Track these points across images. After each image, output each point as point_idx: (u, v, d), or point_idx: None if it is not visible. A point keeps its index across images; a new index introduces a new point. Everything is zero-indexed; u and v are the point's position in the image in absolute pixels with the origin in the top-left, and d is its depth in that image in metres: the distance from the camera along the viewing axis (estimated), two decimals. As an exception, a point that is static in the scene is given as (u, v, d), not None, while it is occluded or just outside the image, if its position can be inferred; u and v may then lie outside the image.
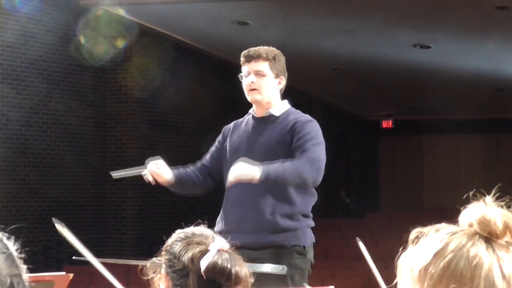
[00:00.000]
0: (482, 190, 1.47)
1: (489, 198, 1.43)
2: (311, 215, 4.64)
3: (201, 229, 2.47)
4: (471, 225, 1.41)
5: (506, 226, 1.39)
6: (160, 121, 13.68)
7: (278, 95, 4.69)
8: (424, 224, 1.50)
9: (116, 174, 4.82)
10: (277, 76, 4.65)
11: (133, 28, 12.74)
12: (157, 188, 15.09)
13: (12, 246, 1.49)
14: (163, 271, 2.42)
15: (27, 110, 11.93)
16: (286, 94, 4.80)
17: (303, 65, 13.59)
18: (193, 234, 2.43)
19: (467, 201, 1.44)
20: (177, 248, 2.39)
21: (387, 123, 19.57)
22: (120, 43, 12.77)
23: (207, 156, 4.85)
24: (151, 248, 12.27)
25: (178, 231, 2.47)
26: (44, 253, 12.18)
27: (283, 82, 4.69)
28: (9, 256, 1.47)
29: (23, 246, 1.54)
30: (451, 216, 1.56)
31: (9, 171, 11.76)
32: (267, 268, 4.23)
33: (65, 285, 3.48)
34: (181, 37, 13.61)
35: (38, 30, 11.98)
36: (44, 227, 12.11)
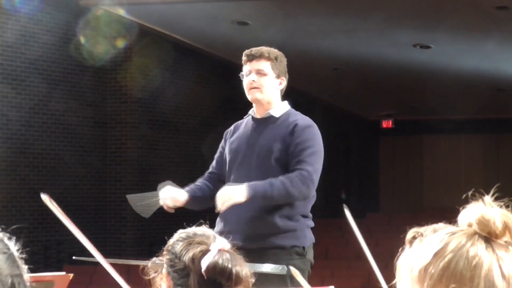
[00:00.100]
0: (481, 190, 1.48)
1: (488, 198, 1.43)
2: (310, 215, 4.64)
3: (202, 229, 2.47)
4: (470, 225, 1.41)
5: (505, 226, 1.39)
6: (160, 121, 13.68)
7: (278, 96, 4.69)
8: (424, 224, 1.51)
9: (131, 198, 4.81)
10: (278, 76, 4.65)
11: (133, 28, 12.74)
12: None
13: (13, 246, 1.49)
14: (164, 271, 2.43)
15: (27, 110, 11.93)
16: (286, 94, 4.80)
17: (303, 65, 13.59)
18: (195, 234, 2.43)
19: (467, 201, 1.44)
20: (178, 248, 2.40)
21: (387, 123, 19.56)
22: (120, 43, 12.78)
23: (213, 163, 4.85)
24: (151, 248, 12.28)
25: (180, 231, 2.47)
26: (44, 253, 12.18)
27: (284, 83, 4.69)
28: (10, 256, 1.47)
29: (23, 246, 1.54)
30: (451, 216, 1.56)
31: (9, 171, 11.76)
32: (267, 268, 4.24)
33: (65, 285, 3.48)
34: (181, 37, 13.61)
35: (38, 30, 11.99)
36: (44, 227, 12.11)
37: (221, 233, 4.39)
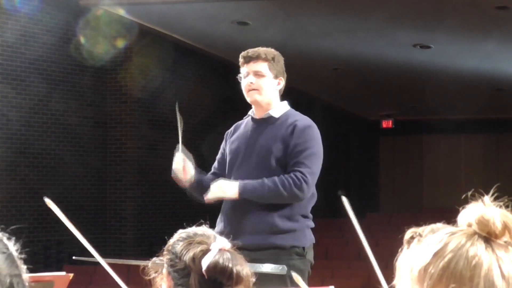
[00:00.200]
0: (481, 190, 1.48)
1: (487, 198, 1.43)
2: (310, 215, 4.64)
3: (202, 229, 2.48)
4: (470, 225, 1.41)
5: (505, 226, 1.40)
6: (160, 121, 13.68)
7: (277, 96, 4.69)
8: (424, 224, 1.51)
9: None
10: (276, 76, 4.65)
11: (133, 28, 12.74)
12: (157, 188, 15.10)
13: (12, 246, 1.49)
14: (164, 270, 2.43)
15: (27, 110, 11.93)
16: (286, 94, 4.80)
17: (303, 65, 13.59)
18: (195, 234, 2.43)
19: (466, 201, 1.44)
20: (178, 247, 2.40)
21: (387, 123, 19.56)
22: (120, 43, 12.77)
23: (215, 164, 4.86)
24: (151, 248, 12.28)
25: (180, 231, 2.47)
26: (44, 253, 12.18)
27: (282, 83, 4.69)
28: (9, 256, 1.47)
29: (23, 246, 1.54)
30: (451, 216, 1.56)
31: (9, 171, 11.76)
32: (267, 268, 4.23)
33: (65, 285, 3.48)
34: (181, 37, 13.61)
35: (38, 30, 11.99)
36: (44, 227, 12.11)
37: (221, 233, 4.40)
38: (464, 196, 1.49)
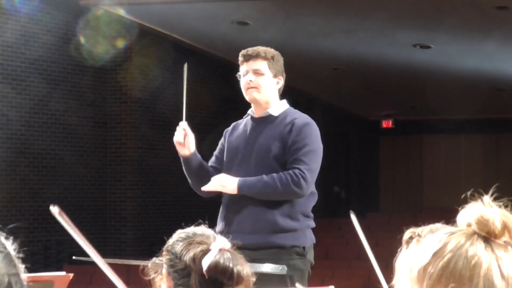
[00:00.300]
0: (480, 190, 1.48)
1: (487, 198, 1.43)
2: (311, 215, 4.63)
3: (202, 229, 2.47)
4: (469, 225, 1.41)
5: (504, 226, 1.39)
6: (160, 121, 13.67)
7: (276, 95, 4.69)
8: (424, 224, 1.51)
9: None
10: (275, 75, 4.65)
11: (133, 28, 12.74)
12: (157, 188, 15.09)
13: (10, 245, 1.49)
14: (164, 271, 2.42)
15: (27, 110, 11.93)
16: (285, 94, 4.80)
17: (303, 65, 13.59)
18: (194, 234, 2.43)
19: (466, 201, 1.44)
20: (178, 248, 2.39)
21: (387, 123, 19.56)
22: (120, 43, 12.77)
23: (212, 158, 4.87)
24: (151, 248, 12.28)
25: (179, 231, 2.47)
26: (44, 253, 12.18)
27: (281, 82, 4.69)
28: (7, 255, 1.47)
29: (23, 246, 1.54)
30: (451, 216, 1.56)
31: (9, 171, 11.76)
32: (267, 268, 4.23)
33: (65, 285, 3.48)
34: (181, 37, 13.61)
35: (38, 30, 11.98)
36: (44, 227, 12.11)
37: (222, 232, 4.41)
38: (463, 196, 1.49)
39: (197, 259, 2.34)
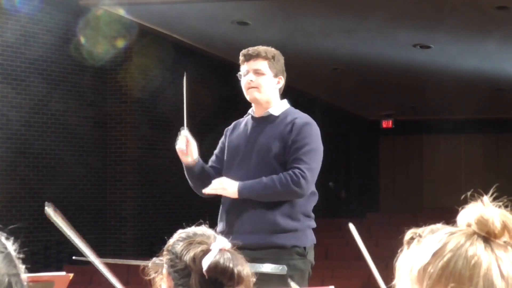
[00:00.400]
0: (480, 190, 1.48)
1: (487, 198, 1.43)
2: (312, 215, 4.63)
3: (202, 229, 2.47)
4: (469, 225, 1.41)
5: (504, 226, 1.40)
6: (160, 121, 13.68)
7: (277, 95, 4.70)
8: (423, 224, 1.51)
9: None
10: (276, 75, 4.66)
11: (133, 28, 12.74)
12: (157, 188, 15.08)
13: (11, 245, 1.49)
14: (164, 271, 2.42)
15: (27, 110, 11.93)
16: (285, 94, 4.80)
17: (303, 65, 13.59)
18: (195, 234, 2.43)
19: (466, 202, 1.44)
20: (178, 247, 2.39)
21: (387, 123, 19.56)
22: (120, 43, 12.77)
23: (213, 158, 4.87)
24: (151, 248, 12.27)
25: (180, 231, 2.47)
26: (44, 253, 12.18)
27: (281, 81, 4.69)
28: (7, 255, 1.47)
29: (23, 246, 1.54)
30: (451, 216, 1.56)
31: (9, 171, 11.76)
32: (267, 268, 4.23)
33: (65, 285, 3.48)
34: (181, 37, 13.61)
35: (38, 30, 11.99)
36: (44, 227, 12.10)
37: (222, 232, 4.41)
38: (463, 196, 1.49)
39: (197, 259, 2.34)
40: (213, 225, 2.59)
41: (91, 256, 2.85)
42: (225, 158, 4.73)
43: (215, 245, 2.36)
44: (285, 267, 4.26)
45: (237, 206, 4.56)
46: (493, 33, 12.30)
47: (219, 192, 4.57)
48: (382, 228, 14.26)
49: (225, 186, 4.55)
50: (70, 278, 3.50)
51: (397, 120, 19.44)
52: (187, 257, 2.36)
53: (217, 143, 4.94)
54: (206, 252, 2.35)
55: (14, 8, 11.52)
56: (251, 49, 4.68)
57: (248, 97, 4.67)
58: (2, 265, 1.45)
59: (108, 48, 12.56)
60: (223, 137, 4.86)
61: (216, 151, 4.88)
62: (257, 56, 4.63)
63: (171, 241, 2.45)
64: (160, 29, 13.21)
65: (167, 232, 2.68)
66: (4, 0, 11.45)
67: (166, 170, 13.32)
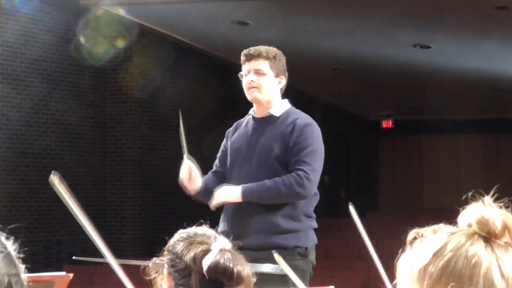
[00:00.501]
0: (481, 191, 1.48)
1: (488, 198, 1.43)
2: (314, 215, 4.63)
3: (203, 229, 2.47)
4: (470, 225, 1.41)
5: (505, 226, 1.40)
6: (160, 121, 13.68)
7: (278, 95, 4.69)
8: (424, 224, 1.51)
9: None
10: (277, 75, 4.64)
11: (133, 28, 12.74)
12: (157, 188, 15.09)
13: (11, 245, 1.49)
14: (165, 271, 2.43)
15: (27, 110, 11.93)
16: (286, 94, 4.80)
17: (303, 65, 13.59)
18: (195, 234, 2.43)
19: (466, 202, 1.44)
20: (179, 247, 2.40)
21: (387, 123, 19.56)
22: (120, 43, 12.77)
23: (216, 162, 4.86)
24: (151, 248, 12.28)
25: (180, 231, 2.47)
26: (44, 253, 12.18)
27: (283, 81, 4.68)
28: (7, 255, 1.47)
29: (23, 246, 1.54)
30: (451, 216, 1.56)
31: (9, 171, 11.76)
32: (267, 268, 4.23)
33: (65, 285, 3.48)
34: (181, 37, 13.61)
35: (38, 30, 11.99)
36: (44, 227, 12.11)
37: (224, 233, 4.41)
38: (464, 197, 1.49)
39: (197, 259, 2.34)
40: (213, 225, 2.59)
41: (91, 232, 2.86)
42: (228, 159, 4.72)
43: (215, 245, 2.36)
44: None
45: (239, 208, 4.56)
46: (493, 33, 12.30)
47: (223, 200, 4.56)
48: (382, 228, 14.26)
49: (226, 193, 4.54)
50: (70, 278, 3.50)
51: (397, 120, 19.44)
52: (188, 257, 2.36)
53: (217, 143, 4.93)
54: (206, 252, 2.35)
55: (14, 8, 11.52)
56: (252, 49, 4.67)
57: (249, 97, 4.67)
58: (2, 265, 1.45)
59: (108, 48, 12.56)
60: (225, 139, 4.85)
61: (218, 155, 4.87)
62: (258, 56, 4.62)
63: (171, 241, 2.45)
64: (160, 29, 13.21)
65: (167, 232, 2.68)
66: (4, 0, 11.45)
67: (166, 170, 13.32)
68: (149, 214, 13.56)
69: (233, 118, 4.96)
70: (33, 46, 11.93)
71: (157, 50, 13.39)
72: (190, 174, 4.65)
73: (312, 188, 4.50)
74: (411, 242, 1.46)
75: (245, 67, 4.66)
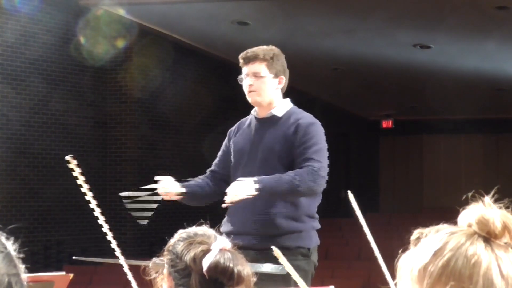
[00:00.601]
0: (481, 191, 1.48)
1: (488, 199, 1.43)
2: (316, 216, 4.63)
3: (203, 229, 2.47)
4: (470, 225, 1.42)
5: (504, 226, 1.40)
6: (160, 121, 13.68)
7: (279, 95, 4.67)
8: (423, 224, 1.51)
9: (126, 195, 4.85)
10: (276, 75, 4.62)
11: (133, 28, 12.74)
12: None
13: (11, 245, 1.49)
14: (165, 271, 2.42)
15: (27, 110, 11.93)
16: (286, 94, 4.79)
17: (303, 65, 13.59)
18: (195, 234, 2.43)
19: (466, 202, 1.44)
20: (179, 247, 2.39)
21: (387, 123, 19.56)
22: (120, 43, 12.77)
23: (216, 161, 4.84)
24: (151, 248, 12.28)
25: (181, 231, 2.47)
26: (44, 253, 12.18)
27: (283, 81, 4.66)
28: (7, 255, 1.47)
29: (23, 246, 1.54)
30: (451, 216, 1.56)
31: (9, 171, 11.76)
32: (267, 268, 4.23)
33: (65, 285, 3.48)
34: (181, 37, 13.61)
35: (38, 30, 11.99)
36: (44, 227, 12.10)
37: (227, 233, 4.42)
38: (464, 196, 1.50)
39: (197, 259, 2.34)
40: (213, 225, 2.59)
41: (98, 213, 2.87)
42: (231, 160, 4.71)
43: (215, 245, 2.36)
44: (285, 268, 4.26)
45: (243, 209, 4.55)
46: (493, 33, 12.30)
47: (238, 197, 4.43)
48: (382, 228, 14.26)
49: (240, 190, 4.41)
50: (70, 278, 3.50)
51: (397, 120, 19.44)
52: (188, 257, 2.36)
53: (217, 143, 4.93)
54: (206, 252, 2.35)
55: (14, 8, 11.52)
56: (249, 52, 4.65)
57: (249, 100, 4.66)
58: (2, 265, 1.45)
59: (108, 48, 12.56)
60: (226, 139, 4.82)
61: (219, 154, 4.86)
62: (254, 58, 4.60)
63: (171, 241, 2.45)
64: (160, 29, 13.21)
65: (167, 232, 2.68)
66: (4, 0, 11.45)
67: (166, 170, 13.22)
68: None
69: (233, 118, 4.96)
70: (33, 46, 11.93)
71: (157, 50, 13.39)
72: (167, 194, 4.76)
73: (323, 184, 4.48)
74: (415, 242, 1.46)
75: (244, 70, 4.64)
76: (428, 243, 1.41)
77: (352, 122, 19.82)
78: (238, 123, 4.83)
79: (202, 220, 2.58)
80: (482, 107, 17.81)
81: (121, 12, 12.29)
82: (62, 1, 12.20)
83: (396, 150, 20.54)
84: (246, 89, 4.64)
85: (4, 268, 1.45)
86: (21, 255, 1.50)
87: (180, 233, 2.46)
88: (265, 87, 4.59)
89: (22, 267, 1.49)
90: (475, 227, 1.41)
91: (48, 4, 12.01)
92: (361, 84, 16.49)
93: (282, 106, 4.66)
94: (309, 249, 4.53)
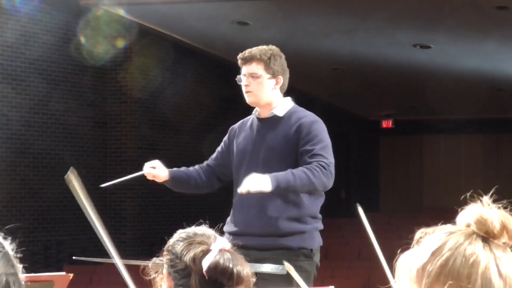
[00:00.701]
0: (480, 191, 1.48)
1: (486, 199, 1.43)
2: (319, 216, 4.62)
3: (203, 229, 2.47)
4: (468, 225, 1.42)
5: (503, 226, 1.40)
6: (160, 121, 13.68)
7: (278, 95, 4.66)
8: (423, 224, 1.51)
9: (105, 184, 4.95)
10: (273, 76, 4.60)
11: (133, 28, 12.74)
12: (157, 188, 15.07)
13: (8, 245, 1.49)
14: (165, 271, 2.42)
15: (27, 110, 11.93)
16: (286, 94, 4.79)
17: (303, 65, 13.59)
18: (195, 234, 2.43)
19: (466, 202, 1.44)
20: (179, 248, 2.39)
21: (387, 123, 19.56)
22: (120, 43, 12.78)
23: (213, 156, 4.84)
24: (151, 248, 12.27)
25: (180, 231, 2.47)
26: (44, 253, 12.18)
27: (281, 81, 4.64)
28: (5, 255, 1.47)
29: (23, 246, 1.54)
30: (451, 216, 1.56)
31: (9, 171, 11.76)
32: (267, 268, 4.23)
33: (65, 285, 3.48)
34: (181, 37, 13.61)
35: (38, 30, 11.99)
36: (44, 227, 12.10)
37: (230, 233, 4.42)
38: (463, 196, 1.50)
39: (197, 259, 2.34)
40: (213, 225, 2.59)
41: (98, 225, 2.87)
42: (234, 160, 4.71)
43: (215, 245, 2.36)
44: (285, 267, 4.26)
45: (246, 209, 4.55)
46: (493, 33, 12.30)
47: (254, 189, 4.29)
48: (382, 228, 14.25)
49: (258, 184, 4.28)
50: (70, 278, 3.50)
51: (397, 120, 19.45)
52: (187, 257, 2.36)
53: (217, 143, 4.93)
54: (206, 252, 2.35)
55: (14, 8, 11.52)
56: (247, 52, 4.64)
57: (246, 100, 4.65)
58: (-1, 264, 1.45)
59: (108, 48, 12.56)
60: (227, 136, 4.82)
61: (217, 149, 4.86)
62: (252, 59, 4.59)
63: (171, 241, 2.45)
64: (160, 29, 13.21)
65: (167, 232, 2.68)
66: (4, 0, 11.45)
67: (166, 170, 13.30)
68: (149, 214, 13.56)
69: (233, 118, 4.96)
70: (33, 46, 11.93)
71: (157, 50, 13.39)
72: (153, 175, 4.85)
73: (332, 179, 4.47)
74: (418, 242, 1.46)
75: (243, 70, 4.65)
76: (427, 242, 1.41)
77: (352, 122, 19.83)
78: (240, 122, 4.81)
79: (201, 220, 2.58)
80: (482, 107, 17.81)
81: (121, 12, 12.29)
82: (62, 1, 12.20)
83: (396, 150, 20.54)
84: (243, 90, 4.64)
85: (2, 267, 1.45)
86: (19, 255, 1.50)
87: (180, 233, 2.45)
88: (261, 87, 4.58)
89: (20, 266, 1.49)
90: (473, 227, 1.41)
91: (48, 4, 12.01)
92: (361, 84, 16.49)
93: (283, 106, 4.65)
94: (311, 250, 4.53)
